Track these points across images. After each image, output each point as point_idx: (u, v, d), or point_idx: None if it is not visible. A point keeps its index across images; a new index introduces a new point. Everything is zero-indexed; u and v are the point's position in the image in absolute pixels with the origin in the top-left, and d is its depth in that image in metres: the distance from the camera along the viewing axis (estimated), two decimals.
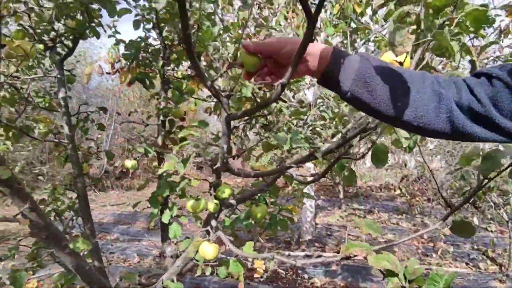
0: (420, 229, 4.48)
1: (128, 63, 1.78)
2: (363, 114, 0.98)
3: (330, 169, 0.93)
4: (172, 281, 1.22)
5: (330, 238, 4.77)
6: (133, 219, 6.46)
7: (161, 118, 1.73)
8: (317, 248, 4.08)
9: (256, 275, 1.21)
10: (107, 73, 2.01)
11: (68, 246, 1.10)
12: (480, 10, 0.83)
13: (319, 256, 0.83)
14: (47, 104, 1.64)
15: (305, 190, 4.59)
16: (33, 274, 3.26)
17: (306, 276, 3.36)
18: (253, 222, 1.29)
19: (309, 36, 0.45)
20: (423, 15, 0.89)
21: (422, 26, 0.81)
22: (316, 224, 5.43)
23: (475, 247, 4.13)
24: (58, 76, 1.64)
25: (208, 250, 0.94)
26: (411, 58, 0.85)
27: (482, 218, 3.74)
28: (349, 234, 4.90)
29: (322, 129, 1.44)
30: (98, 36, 1.64)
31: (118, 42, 1.84)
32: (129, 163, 1.59)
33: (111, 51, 1.92)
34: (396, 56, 0.74)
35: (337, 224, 5.87)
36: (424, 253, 3.90)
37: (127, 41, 1.76)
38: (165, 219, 1.44)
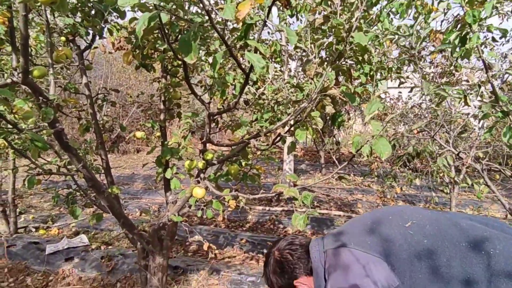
0: (387, 191, 5.21)
1: (131, 46, 2.17)
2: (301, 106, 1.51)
3: (273, 143, 1.48)
4: (174, 215, 1.80)
5: None
6: (131, 180, 7.06)
7: (162, 99, 2.23)
8: (294, 204, 4.78)
9: (229, 209, 1.78)
10: (109, 52, 2.45)
11: (106, 191, 1.65)
12: (362, 45, 1.34)
13: (263, 194, 1.39)
14: (73, 89, 2.11)
15: (285, 158, 5.19)
16: (53, 223, 3.89)
17: (281, 225, 4.06)
18: (230, 177, 1.86)
19: None
20: (334, 43, 1.40)
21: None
22: (296, 185, 6.13)
23: (427, 205, 4.89)
24: (80, 66, 2.09)
25: (199, 191, 1.51)
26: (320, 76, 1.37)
27: (432, 181, 4.44)
28: (322, 194, 5.61)
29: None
30: (111, 34, 2.07)
31: (120, 28, 2.21)
32: (139, 134, 2.11)
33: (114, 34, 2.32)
34: (307, 75, 1.26)
35: (316, 185, 6.59)
36: None
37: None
38: (168, 175, 1.99)
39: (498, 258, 0.83)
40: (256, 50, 0.86)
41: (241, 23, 0.80)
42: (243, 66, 1.30)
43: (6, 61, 1.47)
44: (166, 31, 1.40)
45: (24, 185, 1.79)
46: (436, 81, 3.10)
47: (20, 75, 1.15)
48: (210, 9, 1.23)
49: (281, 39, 4.67)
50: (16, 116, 1.22)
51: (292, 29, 0.83)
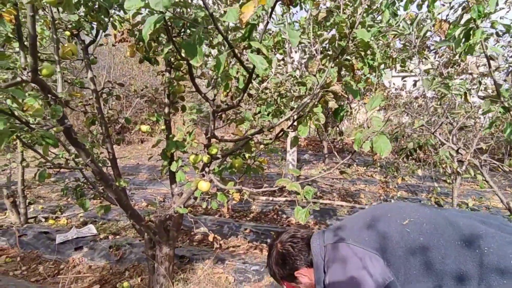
0: (390, 181, 5.23)
1: (134, 39, 2.19)
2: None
3: (277, 138, 1.51)
4: (180, 207, 1.85)
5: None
6: (136, 171, 7.14)
7: (167, 92, 2.25)
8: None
9: (234, 201, 1.83)
10: (113, 45, 2.46)
11: (114, 184, 1.70)
12: (365, 41, 1.35)
13: (266, 187, 1.42)
14: (79, 83, 2.14)
15: (288, 148, 5.20)
16: (61, 214, 3.98)
17: (284, 216, 4.12)
18: (234, 170, 1.90)
19: None
20: (337, 38, 1.41)
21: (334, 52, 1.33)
22: (299, 175, 6.18)
23: (429, 195, 4.92)
24: (85, 60, 2.11)
25: (204, 185, 1.55)
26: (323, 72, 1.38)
27: (435, 171, 4.46)
28: (325, 184, 5.65)
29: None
30: (115, 28, 2.08)
31: (123, 21, 2.23)
32: (145, 127, 2.15)
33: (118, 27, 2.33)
34: (310, 71, 1.28)
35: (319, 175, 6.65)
36: (384, 199, 4.69)
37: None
38: (173, 168, 2.03)
39: (491, 257, 0.86)
40: (258, 51, 0.88)
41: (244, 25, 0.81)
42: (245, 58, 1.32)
43: (15, 59, 1.49)
44: (170, 25, 1.41)
45: (34, 178, 1.84)
46: (441, 71, 3.08)
47: (29, 73, 1.18)
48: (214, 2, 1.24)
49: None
50: (27, 113, 1.26)
51: (295, 22, 0.85)
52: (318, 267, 1.07)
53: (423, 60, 3.19)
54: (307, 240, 1.18)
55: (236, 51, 0.88)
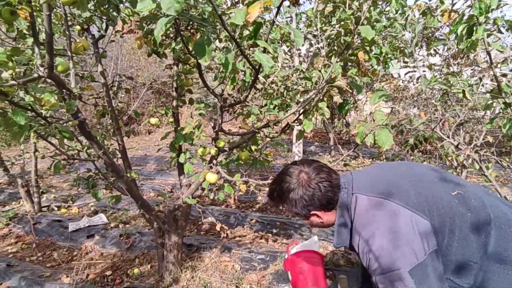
0: None
1: (142, 32, 2.23)
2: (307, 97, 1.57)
3: (283, 131, 1.56)
4: (188, 198, 1.92)
5: None
6: (144, 161, 7.26)
7: (175, 85, 2.30)
8: None
9: (240, 192, 1.89)
10: (121, 36, 2.51)
11: (125, 175, 1.77)
12: (367, 39, 1.37)
13: (271, 179, 1.47)
14: (90, 77, 2.20)
15: (294, 140, 5.25)
16: (73, 203, 4.10)
17: None
18: (241, 162, 1.95)
19: None
20: (342, 34, 1.44)
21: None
22: None
23: None
24: (95, 54, 2.16)
25: (211, 176, 1.61)
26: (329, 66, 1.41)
27: (442, 164, 4.46)
28: None
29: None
30: (125, 22, 2.12)
31: (132, 14, 2.27)
32: (154, 120, 2.21)
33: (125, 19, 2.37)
34: (315, 67, 1.31)
35: None
36: None
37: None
38: (181, 160, 2.09)
39: None
40: (265, 50, 0.92)
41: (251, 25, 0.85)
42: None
43: (30, 57, 1.55)
44: (178, 18, 1.45)
45: (49, 168, 1.92)
46: (448, 62, 3.06)
47: (46, 70, 1.23)
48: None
49: (291, 20, 4.62)
50: (44, 108, 1.32)
51: (303, 13, 0.88)
52: (344, 214, 1.02)
53: (431, 52, 3.17)
54: (336, 186, 1.07)
55: (246, 45, 0.92)
